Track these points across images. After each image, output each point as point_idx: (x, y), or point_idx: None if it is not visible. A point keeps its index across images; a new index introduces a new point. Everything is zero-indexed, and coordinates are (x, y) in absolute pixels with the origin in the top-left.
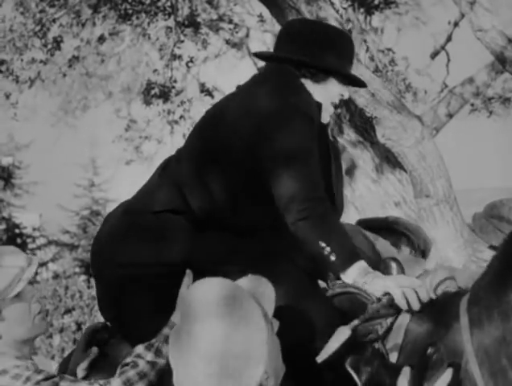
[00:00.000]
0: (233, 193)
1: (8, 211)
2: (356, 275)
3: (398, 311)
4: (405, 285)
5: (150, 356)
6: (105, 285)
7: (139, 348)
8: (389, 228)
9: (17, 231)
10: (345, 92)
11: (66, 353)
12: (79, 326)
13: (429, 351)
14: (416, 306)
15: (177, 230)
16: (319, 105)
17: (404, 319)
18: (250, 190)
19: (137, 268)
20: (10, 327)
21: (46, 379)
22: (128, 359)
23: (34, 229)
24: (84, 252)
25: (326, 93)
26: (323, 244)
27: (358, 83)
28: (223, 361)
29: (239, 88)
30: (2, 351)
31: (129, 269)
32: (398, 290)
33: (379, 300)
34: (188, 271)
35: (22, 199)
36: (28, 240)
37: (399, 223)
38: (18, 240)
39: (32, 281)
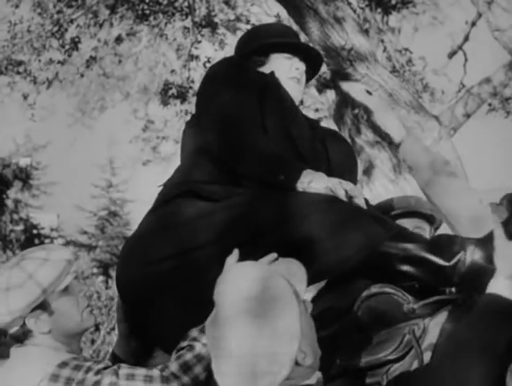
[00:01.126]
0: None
1: (26, 211)
2: (301, 180)
3: (434, 311)
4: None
5: (205, 338)
6: (136, 293)
7: (194, 332)
8: (411, 211)
9: (35, 231)
10: (297, 63)
11: (84, 353)
12: (97, 326)
13: None
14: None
15: (189, 212)
16: (272, 73)
17: (440, 319)
18: None
19: (164, 261)
20: (60, 321)
21: (106, 367)
22: (183, 343)
23: (52, 230)
24: (102, 252)
25: (277, 71)
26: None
27: (307, 52)
28: (256, 342)
29: None
30: (54, 346)
31: (157, 266)
32: (337, 183)
33: (416, 301)
34: (236, 250)
35: (39, 199)
36: (46, 241)
37: (423, 205)
38: (36, 241)
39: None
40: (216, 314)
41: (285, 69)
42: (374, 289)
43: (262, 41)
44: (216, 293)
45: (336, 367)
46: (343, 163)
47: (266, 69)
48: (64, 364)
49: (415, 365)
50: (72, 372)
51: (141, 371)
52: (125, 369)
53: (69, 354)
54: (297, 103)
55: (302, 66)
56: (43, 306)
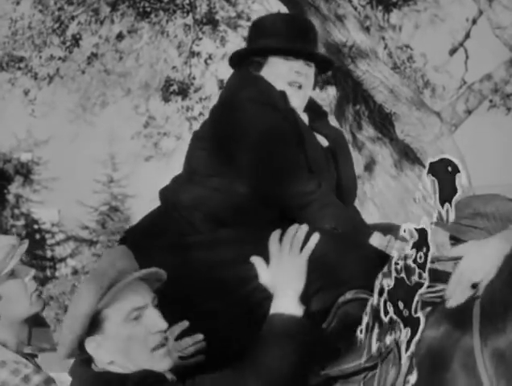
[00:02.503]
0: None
1: (27, 206)
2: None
3: None
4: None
5: None
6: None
7: None
8: None
9: (36, 226)
10: (298, 66)
11: None
12: None
13: None
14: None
15: None
16: (282, 92)
17: None
18: None
19: None
20: (8, 305)
21: (45, 382)
22: None
23: (52, 225)
24: (103, 247)
25: (275, 75)
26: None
27: (311, 55)
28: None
29: None
30: (3, 338)
31: None
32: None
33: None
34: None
35: (40, 194)
36: (47, 236)
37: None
38: (37, 236)
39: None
40: None
41: (282, 74)
42: (349, 295)
43: (261, 43)
44: None
45: (313, 375)
46: (350, 178)
47: (264, 73)
48: (3, 364)
49: (393, 372)
50: (9, 376)
51: None
52: None
53: (15, 354)
54: (300, 110)
55: (304, 68)
56: None
